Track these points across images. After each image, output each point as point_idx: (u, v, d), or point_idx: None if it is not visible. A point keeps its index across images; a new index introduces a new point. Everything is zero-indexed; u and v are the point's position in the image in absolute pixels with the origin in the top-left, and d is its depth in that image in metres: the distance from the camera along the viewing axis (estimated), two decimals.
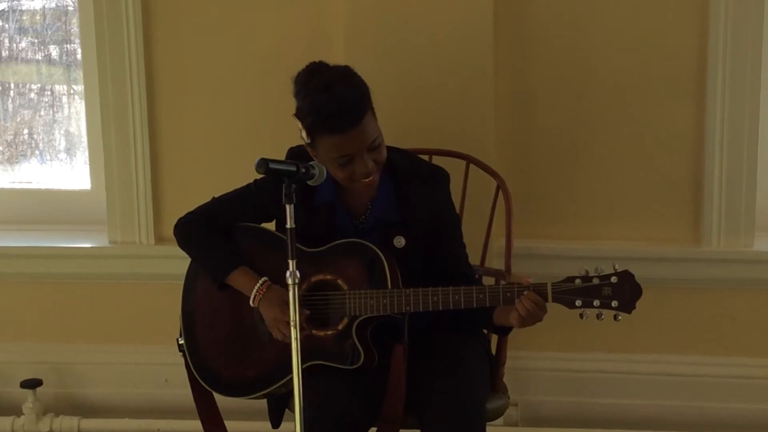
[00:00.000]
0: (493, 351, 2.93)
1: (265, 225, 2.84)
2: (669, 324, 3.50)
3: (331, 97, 2.55)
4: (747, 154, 3.37)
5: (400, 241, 2.72)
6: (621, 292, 2.50)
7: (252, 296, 2.68)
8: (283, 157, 2.74)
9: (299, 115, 2.62)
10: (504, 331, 2.78)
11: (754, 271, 3.44)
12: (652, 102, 3.41)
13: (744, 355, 3.50)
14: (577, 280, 2.52)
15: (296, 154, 2.76)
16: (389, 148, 2.79)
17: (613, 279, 2.50)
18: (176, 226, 2.88)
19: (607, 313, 2.51)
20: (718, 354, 3.51)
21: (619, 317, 2.51)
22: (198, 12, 3.51)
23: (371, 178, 2.64)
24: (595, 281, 2.51)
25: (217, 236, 2.80)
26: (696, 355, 3.52)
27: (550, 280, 2.55)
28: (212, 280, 2.77)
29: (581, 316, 2.53)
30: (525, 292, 2.53)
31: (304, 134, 2.61)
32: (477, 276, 2.94)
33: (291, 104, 3.34)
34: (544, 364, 3.56)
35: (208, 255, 2.81)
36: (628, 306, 2.51)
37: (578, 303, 2.52)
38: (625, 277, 2.51)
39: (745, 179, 3.39)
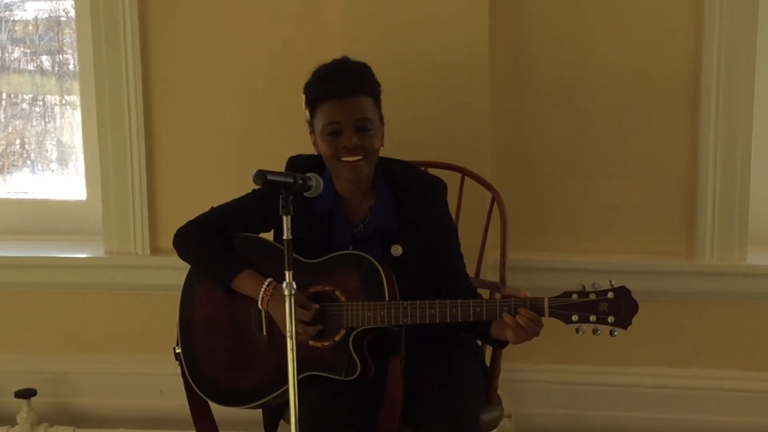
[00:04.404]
0: (488, 363, 2.94)
1: (263, 235, 2.84)
2: (663, 337, 3.51)
3: (333, 64, 2.71)
4: (740, 169, 3.40)
5: (397, 250, 2.73)
6: (617, 307, 2.50)
7: (260, 298, 2.67)
8: (279, 167, 2.74)
9: (305, 90, 2.72)
10: (500, 344, 2.77)
11: (748, 284, 3.46)
12: (647, 116, 3.44)
13: (738, 368, 3.52)
14: (574, 295, 2.52)
15: (296, 163, 2.78)
16: (390, 160, 2.81)
17: (610, 294, 2.50)
18: (176, 236, 2.86)
19: (603, 329, 2.51)
20: (712, 367, 3.52)
21: (616, 333, 2.51)
22: (195, 23, 3.52)
23: (356, 159, 2.65)
24: (592, 296, 2.51)
25: (218, 243, 2.79)
26: (690, 368, 3.53)
27: (544, 293, 2.55)
28: (217, 285, 2.76)
29: (577, 331, 2.53)
30: (520, 309, 2.53)
31: (307, 112, 2.71)
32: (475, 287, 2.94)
33: (287, 115, 3.38)
34: (539, 376, 3.57)
35: (210, 261, 2.80)
36: (624, 322, 2.50)
37: (575, 318, 2.51)
38: (622, 292, 2.51)
39: (738, 193, 3.41)
